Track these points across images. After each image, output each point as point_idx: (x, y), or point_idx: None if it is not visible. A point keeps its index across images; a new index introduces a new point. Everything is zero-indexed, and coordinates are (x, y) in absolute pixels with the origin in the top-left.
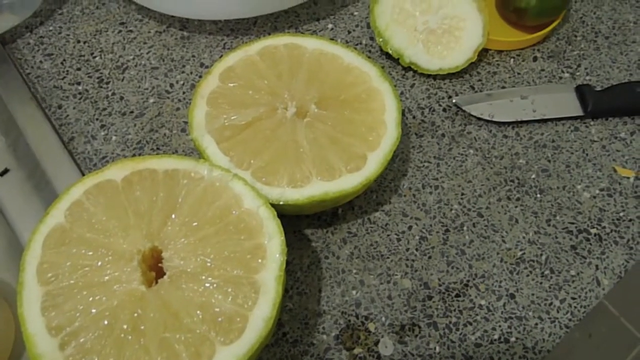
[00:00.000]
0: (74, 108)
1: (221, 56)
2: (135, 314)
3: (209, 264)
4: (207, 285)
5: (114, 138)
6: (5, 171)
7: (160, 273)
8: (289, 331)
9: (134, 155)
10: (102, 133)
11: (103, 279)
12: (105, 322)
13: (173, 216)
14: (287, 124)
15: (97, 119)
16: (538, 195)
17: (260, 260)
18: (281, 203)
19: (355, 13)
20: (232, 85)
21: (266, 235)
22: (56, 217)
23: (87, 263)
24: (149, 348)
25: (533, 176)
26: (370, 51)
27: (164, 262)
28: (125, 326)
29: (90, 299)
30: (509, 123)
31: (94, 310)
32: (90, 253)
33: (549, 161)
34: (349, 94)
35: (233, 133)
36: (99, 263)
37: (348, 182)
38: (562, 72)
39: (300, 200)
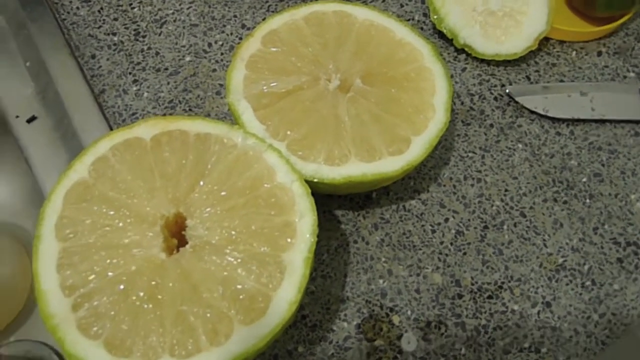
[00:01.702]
0: (107, 59)
1: (265, 18)
2: (153, 282)
3: (234, 237)
4: (231, 259)
5: (145, 94)
6: (33, 118)
7: (182, 241)
8: (309, 314)
9: (164, 114)
10: (134, 88)
11: (123, 241)
12: (121, 287)
13: (201, 182)
14: (329, 97)
15: (130, 73)
16: (587, 201)
17: (289, 239)
18: (315, 180)
19: None
20: (274, 50)
21: (298, 213)
22: (80, 171)
23: (107, 223)
24: (164, 320)
25: (584, 179)
26: (422, 28)
27: (187, 231)
28: (141, 294)
29: (108, 261)
30: (564, 120)
31: (110, 274)
32: (112, 213)
33: (603, 165)
34: (397, 71)
35: (271, 101)
36: (120, 224)
37: (388, 165)
38: (628, 70)
39: (336, 179)
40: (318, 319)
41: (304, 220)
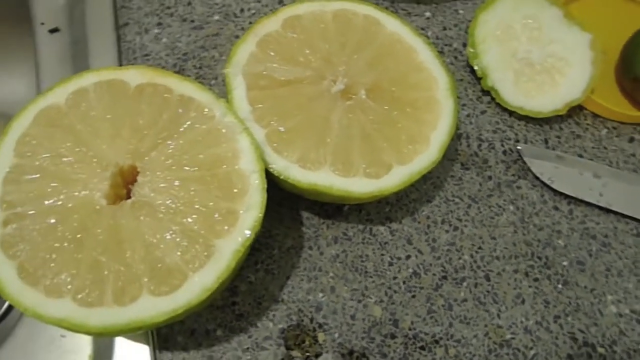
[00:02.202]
0: None
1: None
2: (83, 225)
3: (174, 207)
4: (163, 228)
5: (164, 40)
6: (55, 30)
7: (130, 194)
8: (239, 302)
9: (175, 64)
10: (156, 30)
11: (72, 176)
12: (52, 220)
13: (167, 143)
14: (327, 99)
15: (157, 15)
16: (560, 286)
17: (226, 227)
18: (281, 177)
19: (461, 11)
20: (291, 35)
21: (245, 205)
22: (58, 95)
23: (65, 153)
24: (80, 263)
25: (565, 263)
26: (456, 57)
27: (135, 186)
28: (67, 233)
29: (50, 190)
30: (566, 196)
31: (47, 203)
32: (70, 145)
33: (591, 255)
34: (406, 94)
35: (268, 85)
36: (75, 158)
37: (359, 185)
38: None
39: (301, 182)
40: (247, 310)
41: (249, 214)
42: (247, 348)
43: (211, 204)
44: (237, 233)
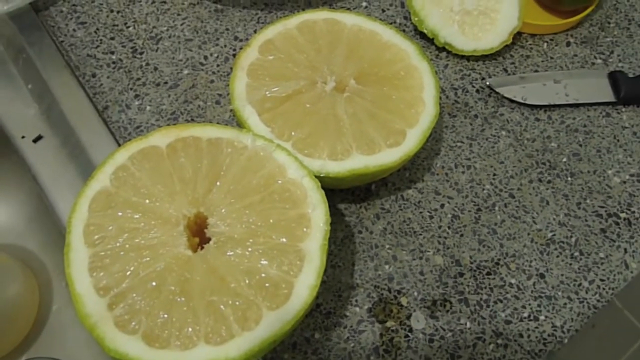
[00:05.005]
0: (107, 77)
1: (257, 29)
2: (182, 278)
3: (254, 231)
4: (253, 251)
5: (148, 108)
6: (39, 138)
7: (203, 239)
8: (323, 302)
9: (168, 125)
10: (137, 103)
11: (149, 242)
12: (153, 284)
13: (218, 183)
14: (327, 98)
15: (131, 89)
16: (569, 179)
17: (305, 229)
18: (322, 175)
19: None
20: (271, 57)
21: (310, 205)
22: (101, 180)
23: (133, 226)
24: (196, 310)
25: (564, 159)
26: (404, 30)
27: (209, 228)
28: (173, 288)
29: (137, 261)
30: (541, 106)
31: (141, 273)
32: (137, 216)
33: (581, 145)
34: (387, 70)
35: (274, 105)
36: (145, 226)
37: (388, 156)
38: (595, 58)
39: (341, 173)
40: (331, 307)
41: (317, 211)
42: (348, 338)
43: (283, 215)
44: (316, 231)
